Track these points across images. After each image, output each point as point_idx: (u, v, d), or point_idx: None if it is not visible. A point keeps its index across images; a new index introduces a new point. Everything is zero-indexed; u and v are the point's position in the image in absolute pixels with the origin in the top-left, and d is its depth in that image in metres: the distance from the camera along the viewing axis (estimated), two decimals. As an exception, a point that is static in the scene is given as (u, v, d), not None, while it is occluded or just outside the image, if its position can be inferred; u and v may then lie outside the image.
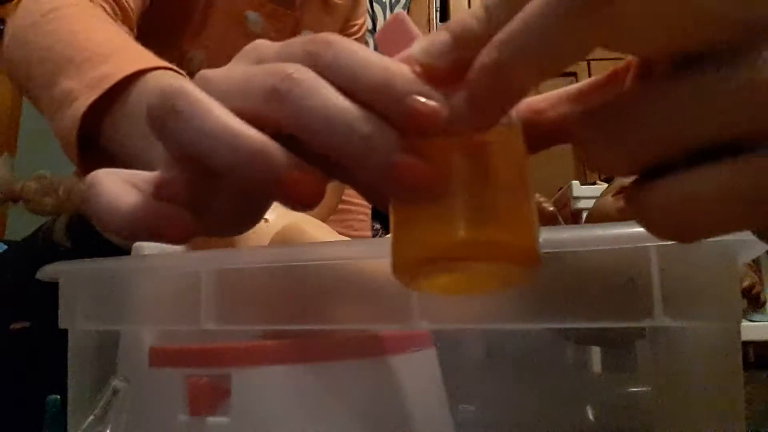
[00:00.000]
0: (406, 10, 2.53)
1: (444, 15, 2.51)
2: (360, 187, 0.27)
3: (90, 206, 0.24)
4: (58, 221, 0.57)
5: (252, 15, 0.81)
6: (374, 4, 2.51)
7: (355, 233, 0.93)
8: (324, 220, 0.60)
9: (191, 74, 0.80)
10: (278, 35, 0.85)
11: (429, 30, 2.59)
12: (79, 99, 0.48)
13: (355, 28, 0.98)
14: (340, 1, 0.92)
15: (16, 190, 0.55)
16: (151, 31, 0.75)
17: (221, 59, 0.25)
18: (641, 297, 0.29)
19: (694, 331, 0.29)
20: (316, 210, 0.64)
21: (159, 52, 0.82)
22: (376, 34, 0.33)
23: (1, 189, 0.54)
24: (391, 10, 2.51)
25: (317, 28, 0.89)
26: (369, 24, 2.53)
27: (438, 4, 2.61)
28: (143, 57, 0.52)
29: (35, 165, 0.65)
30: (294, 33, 0.86)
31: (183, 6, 0.78)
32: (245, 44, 0.25)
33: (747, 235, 0.30)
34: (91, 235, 0.57)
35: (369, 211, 0.98)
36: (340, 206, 0.88)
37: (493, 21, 0.19)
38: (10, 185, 0.55)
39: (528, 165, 0.22)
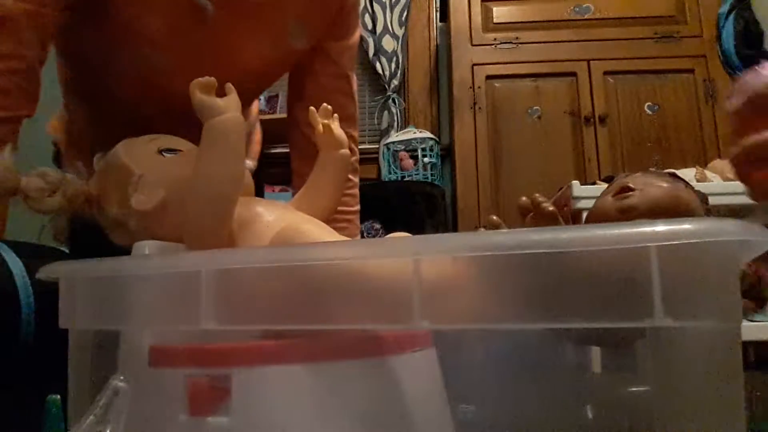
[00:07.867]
0: (406, 11, 2.52)
1: (444, 15, 2.51)
2: None
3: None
4: (58, 221, 0.56)
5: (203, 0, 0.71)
6: (374, 4, 2.51)
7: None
8: (325, 221, 0.59)
9: (149, 72, 0.73)
10: (232, 18, 0.72)
11: (429, 30, 2.58)
12: None
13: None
14: None
15: (18, 184, 0.52)
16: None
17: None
18: (641, 297, 0.29)
19: (694, 331, 0.29)
20: (316, 212, 0.63)
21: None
22: None
23: (5, 181, 0.52)
24: (391, 11, 2.51)
25: (306, 18, 0.79)
26: (369, 24, 2.52)
27: (438, 4, 2.61)
28: None
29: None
30: (280, 24, 0.77)
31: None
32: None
33: (747, 235, 0.30)
34: (91, 235, 0.57)
35: (352, 217, 0.93)
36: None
37: None
38: (15, 178, 0.52)
39: None
